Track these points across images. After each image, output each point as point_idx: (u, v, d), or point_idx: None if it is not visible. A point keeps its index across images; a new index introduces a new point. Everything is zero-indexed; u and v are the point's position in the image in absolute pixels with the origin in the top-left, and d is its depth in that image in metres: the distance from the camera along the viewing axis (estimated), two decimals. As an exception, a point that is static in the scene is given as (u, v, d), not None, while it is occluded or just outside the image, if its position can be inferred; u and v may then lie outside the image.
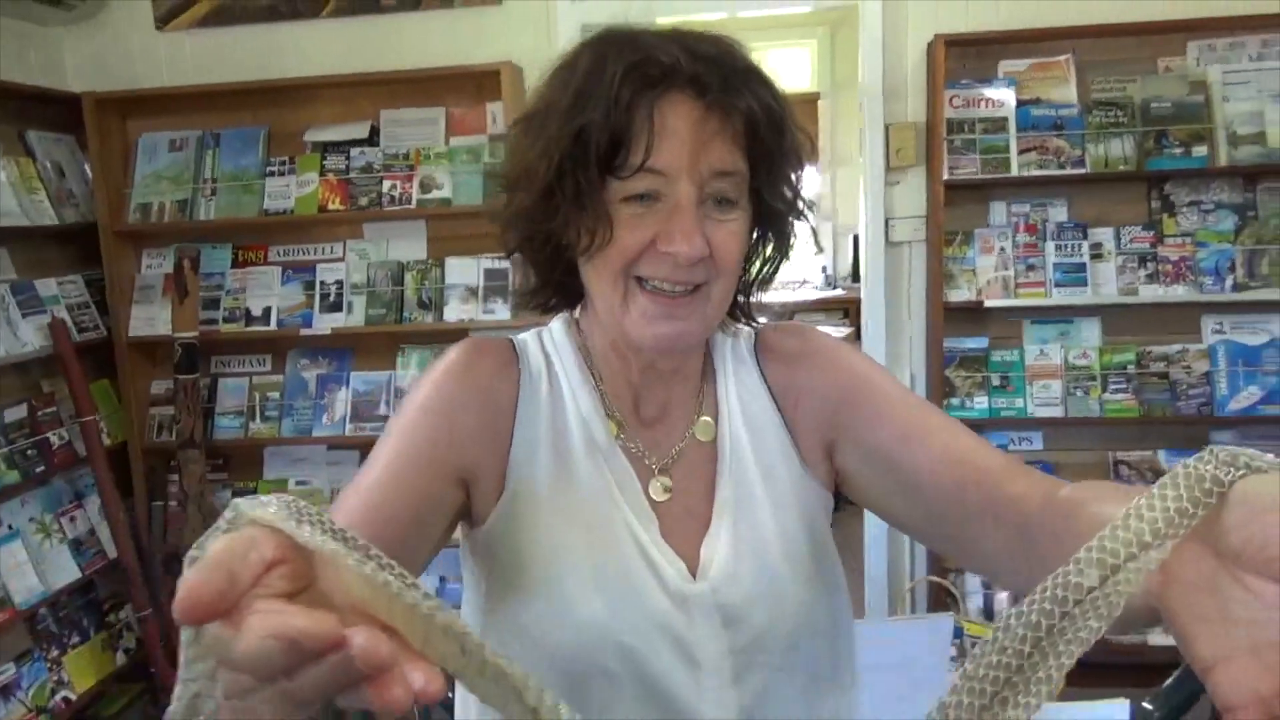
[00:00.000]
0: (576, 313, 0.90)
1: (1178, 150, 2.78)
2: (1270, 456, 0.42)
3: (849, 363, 0.87)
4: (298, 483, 3.07)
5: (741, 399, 0.87)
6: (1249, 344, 2.86)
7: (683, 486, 0.84)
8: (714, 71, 0.73)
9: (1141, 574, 0.40)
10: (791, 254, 0.86)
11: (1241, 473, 0.41)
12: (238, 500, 0.40)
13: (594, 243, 0.75)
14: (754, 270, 0.87)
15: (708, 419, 0.87)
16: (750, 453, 0.85)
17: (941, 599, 2.76)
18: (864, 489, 0.84)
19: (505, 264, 2.97)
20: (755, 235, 0.83)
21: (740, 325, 0.91)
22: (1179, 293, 2.82)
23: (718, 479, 0.84)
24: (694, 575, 0.79)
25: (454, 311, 2.97)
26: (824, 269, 5.80)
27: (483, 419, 0.80)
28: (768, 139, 0.75)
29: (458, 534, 0.86)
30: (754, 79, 0.75)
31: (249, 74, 3.07)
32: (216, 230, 3.10)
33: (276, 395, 3.05)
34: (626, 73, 0.72)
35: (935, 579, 2.55)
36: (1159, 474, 2.58)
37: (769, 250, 0.85)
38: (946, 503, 0.75)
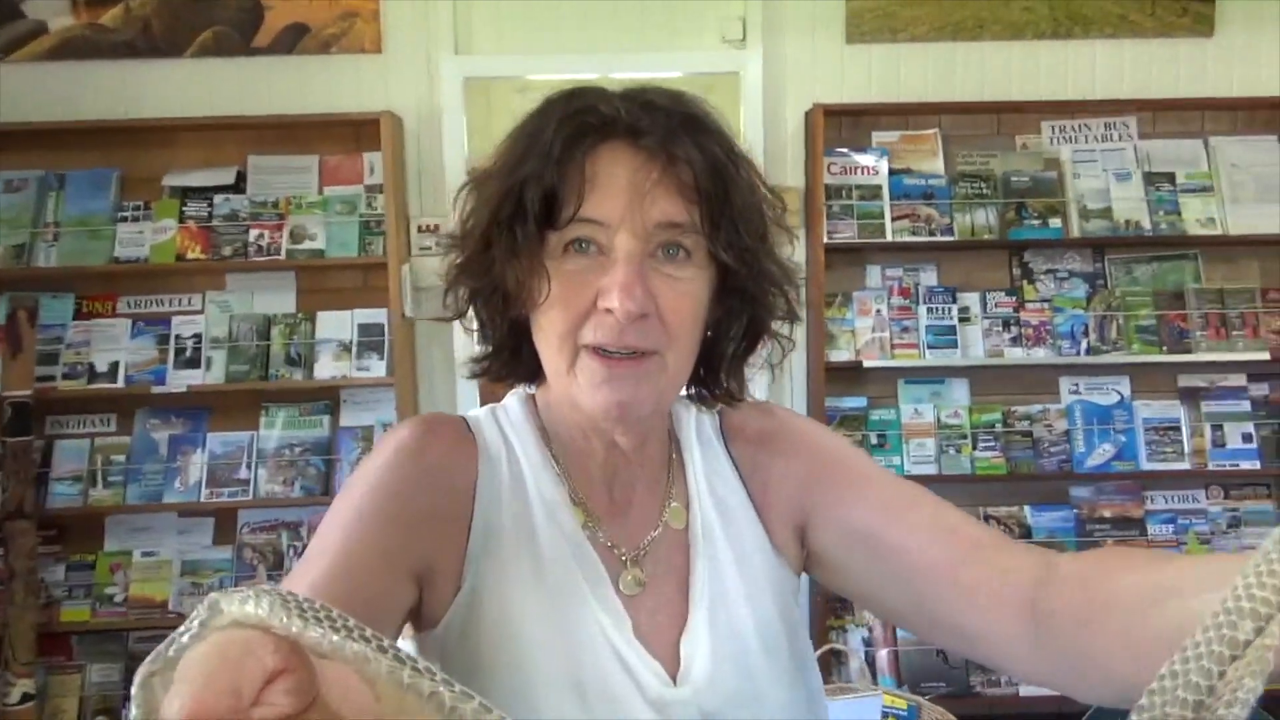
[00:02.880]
0: (533, 389, 0.83)
1: (1035, 221, 2.96)
2: None
3: (820, 441, 0.84)
4: (144, 554, 2.79)
5: (710, 482, 0.82)
6: (1101, 404, 3.03)
7: (655, 578, 0.77)
8: (656, 120, 0.69)
9: None
10: (772, 325, 0.79)
11: None
12: (215, 595, 0.34)
13: (534, 298, 0.71)
14: (727, 346, 0.79)
15: (678, 505, 0.81)
16: (723, 539, 0.79)
17: (827, 658, 2.74)
18: (843, 571, 0.79)
19: (381, 318, 2.84)
20: (725, 305, 0.76)
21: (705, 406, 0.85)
22: (1039, 355, 2.97)
23: (692, 569, 0.78)
24: (672, 676, 0.73)
25: (325, 368, 2.81)
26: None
27: (438, 505, 0.72)
28: (714, 190, 0.70)
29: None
30: (700, 127, 0.71)
31: (101, 113, 2.87)
32: (58, 278, 2.84)
33: (122, 458, 2.79)
34: (563, 123, 0.69)
35: (832, 646, 2.53)
36: (1025, 528, 2.65)
37: (744, 321, 0.78)
38: (939, 582, 0.70)
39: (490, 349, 0.79)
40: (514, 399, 0.82)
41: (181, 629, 0.34)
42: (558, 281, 0.70)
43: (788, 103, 3.04)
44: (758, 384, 3.03)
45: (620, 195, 0.68)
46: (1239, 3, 3.02)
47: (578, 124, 0.69)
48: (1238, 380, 3.05)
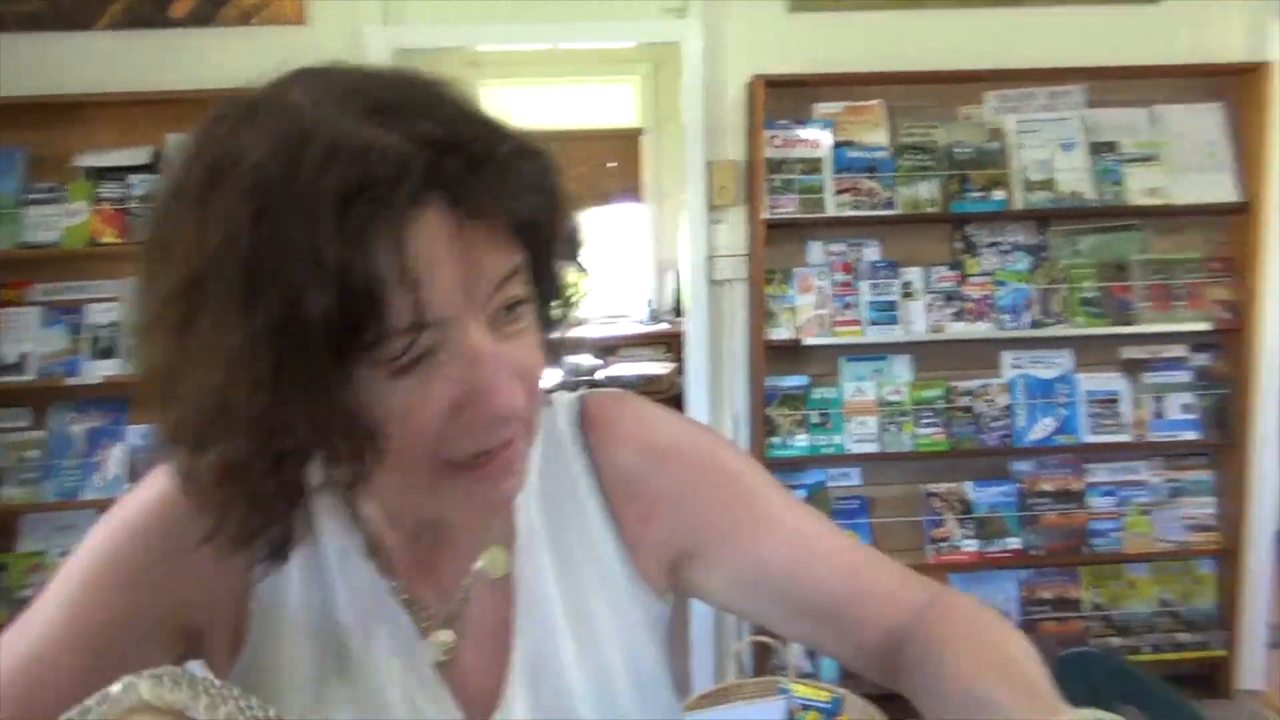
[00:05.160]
0: None
1: (978, 194, 2.91)
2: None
3: (717, 460, 0.72)
4: (62, 554, 2.70)
5: (549, 507, 0.69)
6: (1043, 378, 3.02)
7: (471, 640, 0.66)
8: (461, 159, 0.51)
9: None
10: (582, 291, 0.65)
11: None
12: (133, 678, 0.37)
13: (357, 457, 0.52)
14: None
15: (498, 548, 0.68)
16: (556, 587, 0.67)
17: (767, 656, 2.72)
18: (727, 602, 0.72)
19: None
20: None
21: (555, 394, 0.72)
22: (981, 329, 2.94)
23: (514, 628, 0.66)
24: None
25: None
26: (649, 302, 5.81)
27: (208, 560, 0.59)
28: (539, 219, 0.56)
29: None
30: (510, 147, 0.54)
31: (6, 89, 2.72)
32: (-39, 265, 2.72)
33: (36, 454, 2.68)
34: (344, 201, 0.47)
35: (761, 639, 2.51)
36: (966, 504, 2.64)
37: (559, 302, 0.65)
38: (830, 623, 0.68)
39: (258, 522, 0.55)
40: None
41: (96, 698, 0.35)
42: (396, 416, 0.52)
43: (729, 74, 2.96)
44: (700, 361, 3.00)
45: (453, 277, 0.51)
46: (1185, -32, 2.97)
47: (368, 196, 0.48)
48: (1179, 351, 3.05)
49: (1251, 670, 3.11)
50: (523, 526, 0.68)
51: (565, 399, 0.73)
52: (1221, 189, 2.94)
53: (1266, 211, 2.90)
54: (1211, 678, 3.11)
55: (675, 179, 4.97)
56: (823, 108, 2.95)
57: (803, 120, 2.93)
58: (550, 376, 0.62)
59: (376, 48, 2.85)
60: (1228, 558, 3.05)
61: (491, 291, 0.54)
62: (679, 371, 4.45)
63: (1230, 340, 3.00)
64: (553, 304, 0.63)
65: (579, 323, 0.67)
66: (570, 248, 0.62)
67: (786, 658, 2.19)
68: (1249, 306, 2.94)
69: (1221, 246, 3.01)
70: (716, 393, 3.06)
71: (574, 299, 0.64)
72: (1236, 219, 2.95)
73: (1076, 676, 1.40)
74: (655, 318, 5.70)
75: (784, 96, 2.91)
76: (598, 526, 0.69)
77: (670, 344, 5.22)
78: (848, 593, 0.68)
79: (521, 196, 0.53)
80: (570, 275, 0.63)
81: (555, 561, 0.68)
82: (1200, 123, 2.99)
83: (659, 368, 5.15)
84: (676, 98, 3.17)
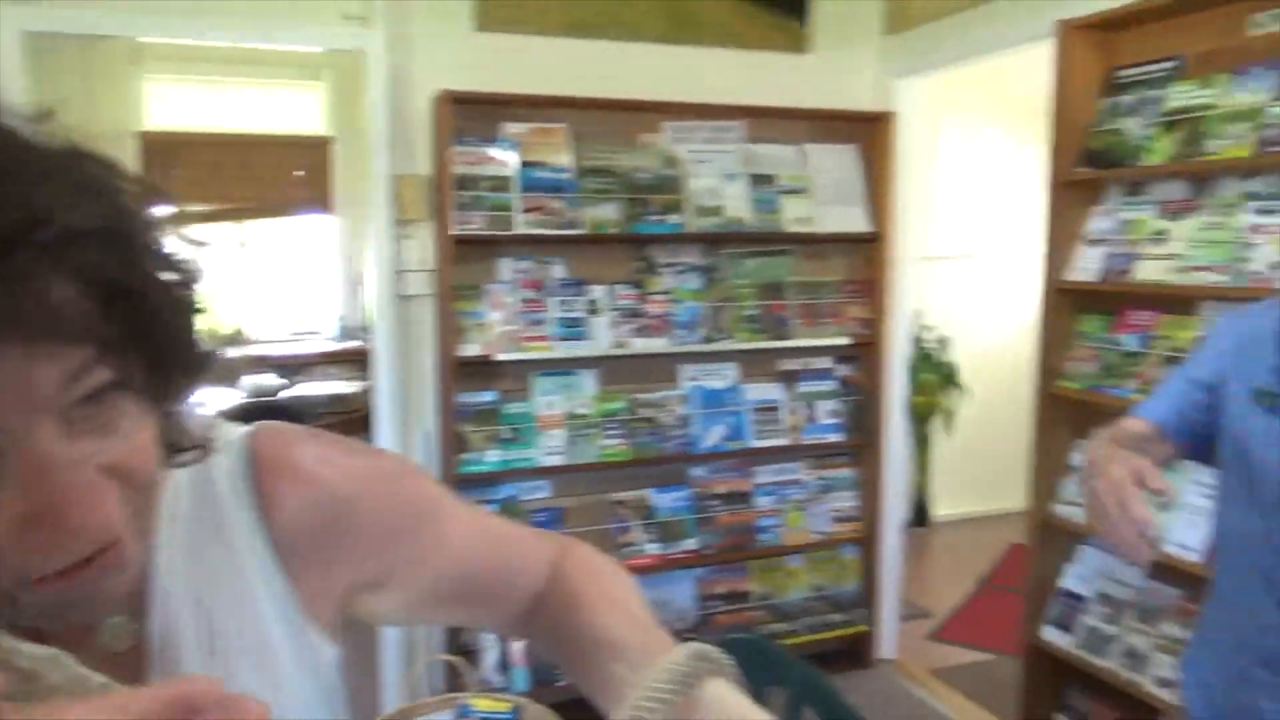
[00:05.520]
0: None
1: (656, 217, 3.11)
2: (717, 651, 0.61)
3: (399, 495, 0.71)
4: None
5: (192, 562, 0.62)
6: (714, 388, 3.28)
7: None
8: None
9: None
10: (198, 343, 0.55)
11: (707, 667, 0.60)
12: None
13: None
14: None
15: (120, 619, 0.58)
16: (201, 650, 0.60)
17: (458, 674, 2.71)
18: (394, 620, 0.76)
19: None
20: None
21: (220, 428, 0.65)
22: (661, 344, 3.14)
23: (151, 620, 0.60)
24: None
25: None
26: (340, 318, 5.58)
27: None
28: (121, 290, 0.47)
29: None
30: (40, 235, 0.43)
31: None
32: None
33: None
34: None
35: (449, 657, 2.49)
36: (648, 509, 2.79)
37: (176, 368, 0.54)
38: (482, 604, 0.77)
39: None
40: None
41: None
42: None
43: (415, 88, 2.94)
44: (390, 377, 2.92)
45: None
46: (828, 25, 3.37)
47: None
48: (825, 363, 3.44)
49: (889, 641, 3.57)
50: (157, 590, 0.60)
51: (231, 436, 0.65)
52: (857, 220, 3.37)
53: (892, 241, 3.36)
54: (856, 652, 3.52)
55: (363, 190, 4.83)
56: (510, 128, 3.01)
57: (490, 139, 2.97)
58: (225, 398, 0.57)
59: (4, 29, 2.52)
60: (868, 544, 3.48)
61: (56, 393, 0.46)
62: (370, 391, 4.31)
63: (865, 352, 3.43)
64: (172, 368, 0.53)
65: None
66: (173, 301, 0.52)
67: (475, 674, 2.19)
68: (879, 323, 3.39)
69: (857, 270, 3.44)
70: (407, 410, 3.01)
71: (199, 354, 0.54)
72: (869, 246, 3.39)
73: (735, 659, 1.53)
74: (347, 334, 5.49)
75: (472, 115, 2.94)
76: (259, 582, 0.63)
77: (363, 361, 5.03)
78: (500, 574, 0.76)
79: (65, 290, 0.44)
80: (187, 324, 0.53)
81: (198, 626, 0.61)
82: (839, 162, 3.41)
83: (349, 386, 4.96)
84: (362, 107, 3.10)
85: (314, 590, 0.66)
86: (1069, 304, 2.67)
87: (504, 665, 2.88)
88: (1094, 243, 2.61)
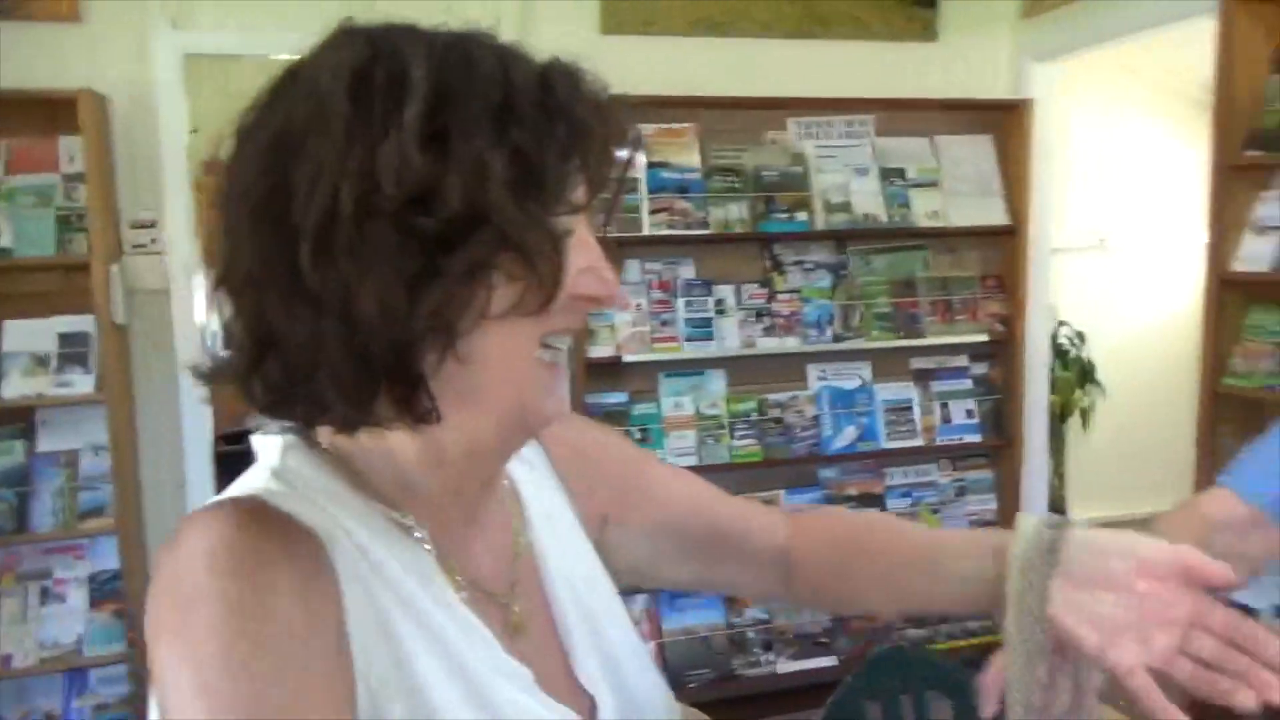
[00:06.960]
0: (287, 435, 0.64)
1: (783, 215, 3.06)
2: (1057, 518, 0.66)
3: (614, 442, 0.86)
4: None
5: (539, 496, 0.76)
6: (845, 388, 3.21)
7: (527, 617, 0.68)
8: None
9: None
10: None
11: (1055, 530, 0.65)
12: None
13: (537, 295, 0.57)
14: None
15: (522, 531, 0.73)
16: (561, 557, 0.73)
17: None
18: (640, 557, 0.81)
19: (87, 327, 2.49)
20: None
21: None
22: (790, 344, 3.09)
23: (550, 597, 0.71)
24: (588, 717, 0.68)
25: (15, 385, 2.43)
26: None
27: (313, 628, 0.53)
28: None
29: None
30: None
31: None
32: None
33: None
34: (574, 92, 0.60)
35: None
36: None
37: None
38: (722, 553, 0.81)
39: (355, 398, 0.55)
40: (290, 456, 0.61)
41: None
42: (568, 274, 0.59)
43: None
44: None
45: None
46: (959, 11, 3.26)
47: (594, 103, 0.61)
48: (961, 361, 3.32)
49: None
50: (531, 511, 0.73)
51: None
52: (992, 212, 3.24)
53: (1030, 233, 3.22)
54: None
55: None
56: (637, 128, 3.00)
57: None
58: None
59: (166, 52, 2.65)
60: (1007, 548, 3.34)
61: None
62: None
63: (1003, 350, 3.30)
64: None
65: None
66: None
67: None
68: (1017, 319, 3.25)
69: (993, 265, 3.31)
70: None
71: None
72: (1005, 240, 3.26)
73: (887, 673, 1.48)
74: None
75: (599, 117, 2.93)
76: (568, 515, 0.77)
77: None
78: (741, 524, 0.81)
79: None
80: None
81: (555, 539, 0.74)
82: (973, 153, 3.28)
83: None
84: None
85: (585, 516, 0.78)
86: (1235, 296, 2.50)
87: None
88: (1263, 230, 2.44)
